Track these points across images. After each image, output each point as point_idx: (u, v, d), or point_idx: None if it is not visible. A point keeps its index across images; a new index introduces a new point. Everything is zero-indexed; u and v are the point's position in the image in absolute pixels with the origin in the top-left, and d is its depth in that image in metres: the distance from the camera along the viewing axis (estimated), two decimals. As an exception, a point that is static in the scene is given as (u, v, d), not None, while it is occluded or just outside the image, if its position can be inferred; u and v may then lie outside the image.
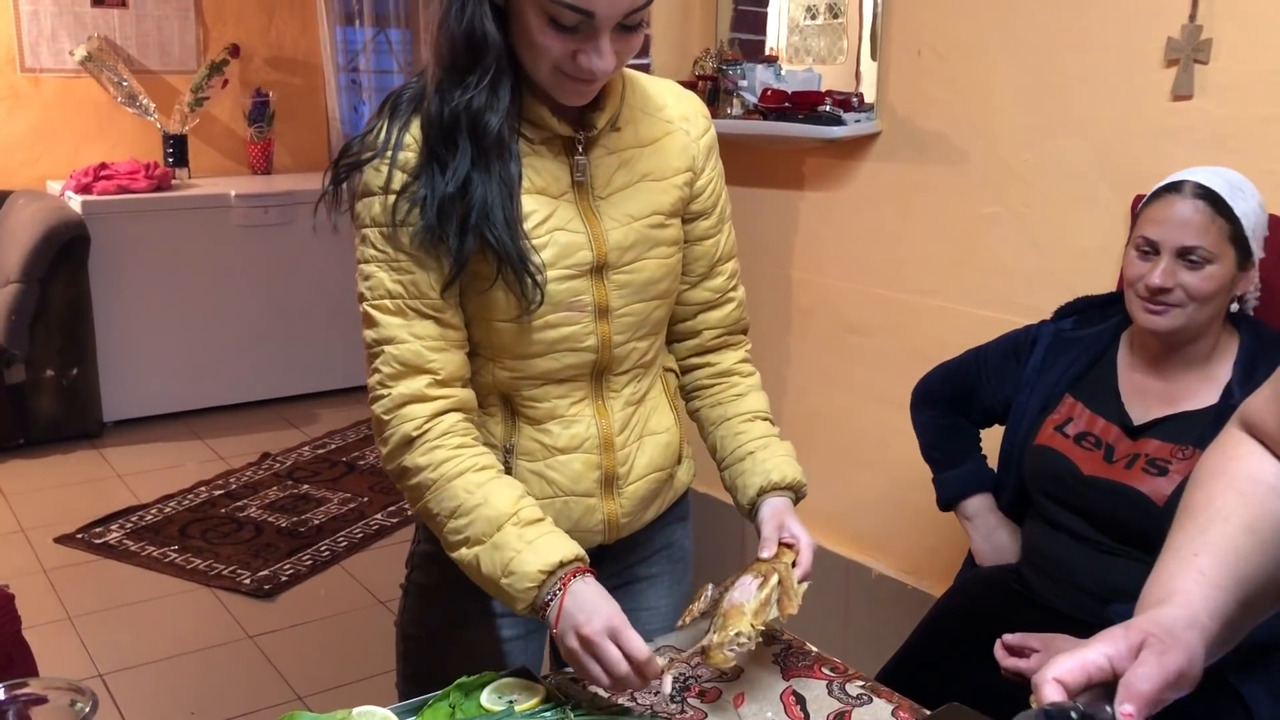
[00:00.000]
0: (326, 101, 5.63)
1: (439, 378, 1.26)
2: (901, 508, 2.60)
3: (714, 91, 2.85)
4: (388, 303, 1.25)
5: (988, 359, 1.98)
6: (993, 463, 1.98)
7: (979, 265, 2.38)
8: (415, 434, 1.25)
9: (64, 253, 4.32)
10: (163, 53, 5.23)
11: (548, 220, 1.26)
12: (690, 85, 2.87)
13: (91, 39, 4.97)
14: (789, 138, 2.63)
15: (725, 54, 2.89)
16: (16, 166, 4.95)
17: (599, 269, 1.29)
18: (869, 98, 2.61)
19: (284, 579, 3.35)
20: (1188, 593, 0.80)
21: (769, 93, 2.68)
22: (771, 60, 2.94)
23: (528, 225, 1.25)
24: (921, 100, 2.46)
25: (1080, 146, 2.15)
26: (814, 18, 5.75)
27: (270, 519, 3.80)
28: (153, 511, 3.84)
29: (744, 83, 2.78)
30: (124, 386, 4.61)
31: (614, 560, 1.48)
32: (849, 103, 2.60)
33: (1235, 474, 0.89)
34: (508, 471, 1.32)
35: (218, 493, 4.02)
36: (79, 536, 3.64)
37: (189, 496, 3.98)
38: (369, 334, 1.27)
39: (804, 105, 2.61)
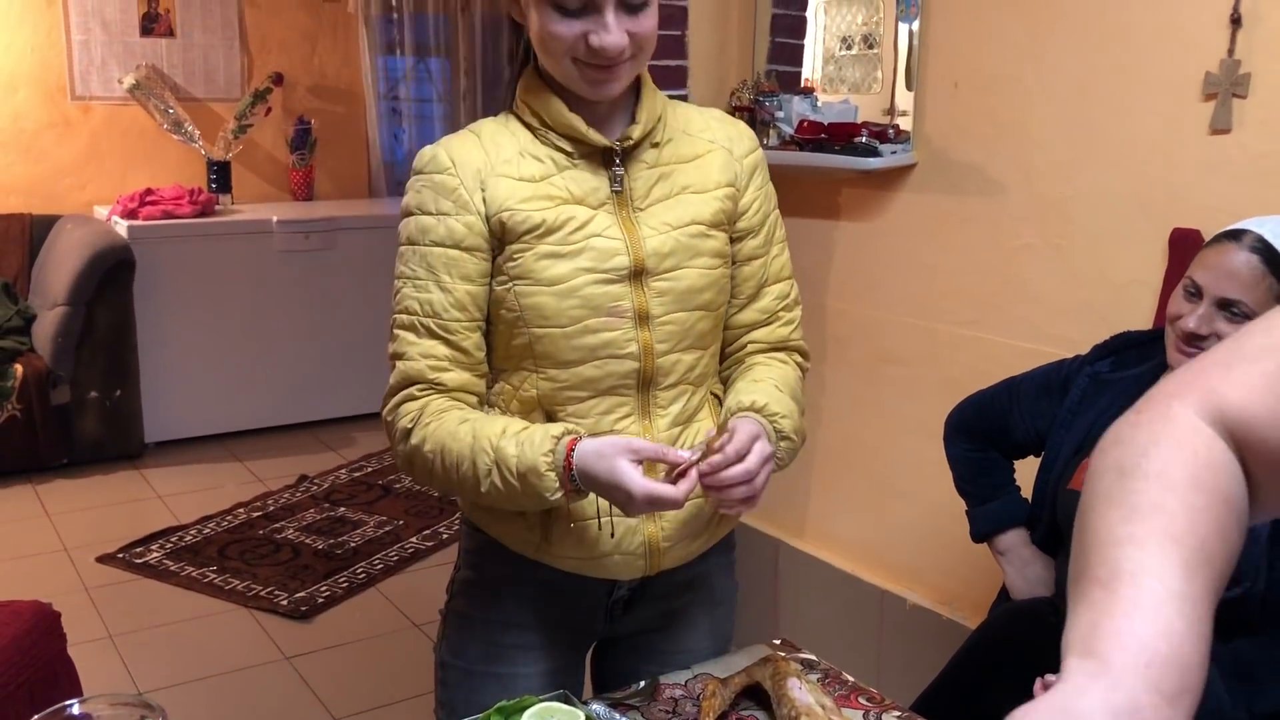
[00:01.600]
0: (367, 129, 5.72)
1: (441, 391, 1.31)
2: (936, 538, 2.60)
3: (750, 122, 2.88)
4: (404, 318, 1.32)
5: (1021, 392, 1.98)
6: (1027, 494, 1.98)
7: (1015, 297, 2.38)
8: (411, 425, 1.31)
9: (110, 276, 4.40)
10: (208, 81, 5.34)
11: (584, 227, 1.30)
12: (727, 116, 2.92)
13: (140, 67, 5.08)
14: (825, 168, 2.66)
15: (762, 85, 2.92)
16: (65, 191, 5.06)
17: (637, 274, 1.32)
18: (904, 127, 2.63)
19: (320, 601, 3.39)
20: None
21: (805, 124, 2.71)
22: (808, 92, 2.96)
23: (564, 232, 1.30)
24: (957, 132, 2.48)
25: (1118, 180, 2.16)
26: (849, 48, 5.77)
27: (307, 541, 3.84)
28: (192, 532, 3.90)
29: (780, 114, 2.81)
30: (165, 408, 4.69)
31: (654, 597, 1.47)
32: (885, 134, 2.62)
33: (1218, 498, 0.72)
34: None
35: (256, 514, 4.07)
36: (120, 556, 3.69)
37: (228, 518, 4.03)
38: (389, 347, 1.34)
39: (840, 136, 2.63)
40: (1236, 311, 1.60)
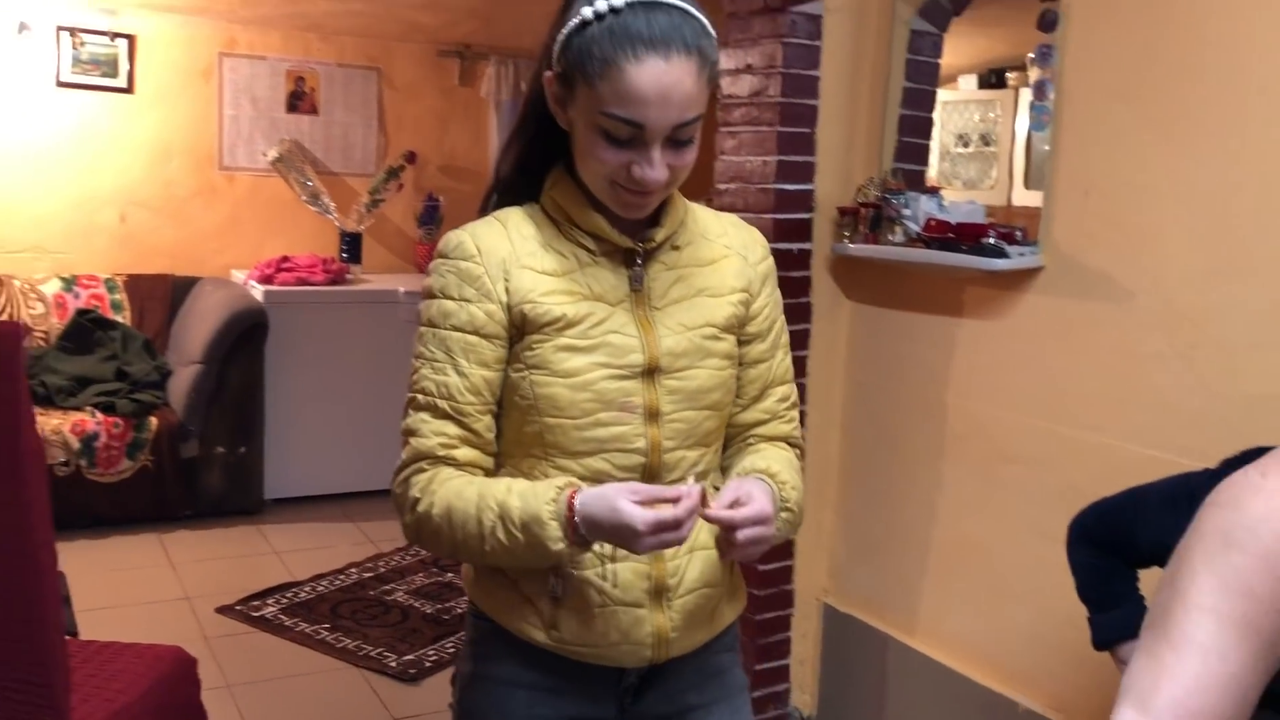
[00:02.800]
0: (491, 207, 5.92)
1: (451, 465, 1.35)
2: (1052, 642, 2.56)
3: (876, 218, 2.94)
4: (420, 398, 1.36)
5: (1146, 502, 1.96)
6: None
7: (1142, 403, 2.38)
8: (419, 494, 1.34)
9: (244, 338, 4.62)
10: (345, 157, 5.61)
11: (602, 324, 1.34)
12: (852, 212, 2.98)
13: (283, 142, 5.36)
14: (951, 267, 2.69)
15: (889, 183, 2.98)
16: (207, 255, 5.34)
17: (651, 372, 1.35)
18: (1023, 223, 2.66)
19: (428, 664, 3.46)
20: None
21: (933, 222, 2.75)
22: (934, 190, 3.02)
23: (583, 326, 1.33)
24: (1087, 238, 2.50)
25: (1255, 292, 2.15)
26: (965, 145, 5.78)
27: (416, 604, 3.92)
28: (306, 589, 4.01)
29: (907, 211, 2.86)
30: (285, 466, 4.86)
31: (664, 687, 1.46)
32: (1012, 236, 2.65)
33: None
34: (559, 576, 1.36)
35: (367, 575, 4.18)
36: (238, 608, 3.82)
37: (340, 577, 4.14)
38: (402, 423, 1.38)
39: (968, 236, 2.67)
40: None
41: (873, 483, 3.09)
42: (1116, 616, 1.98)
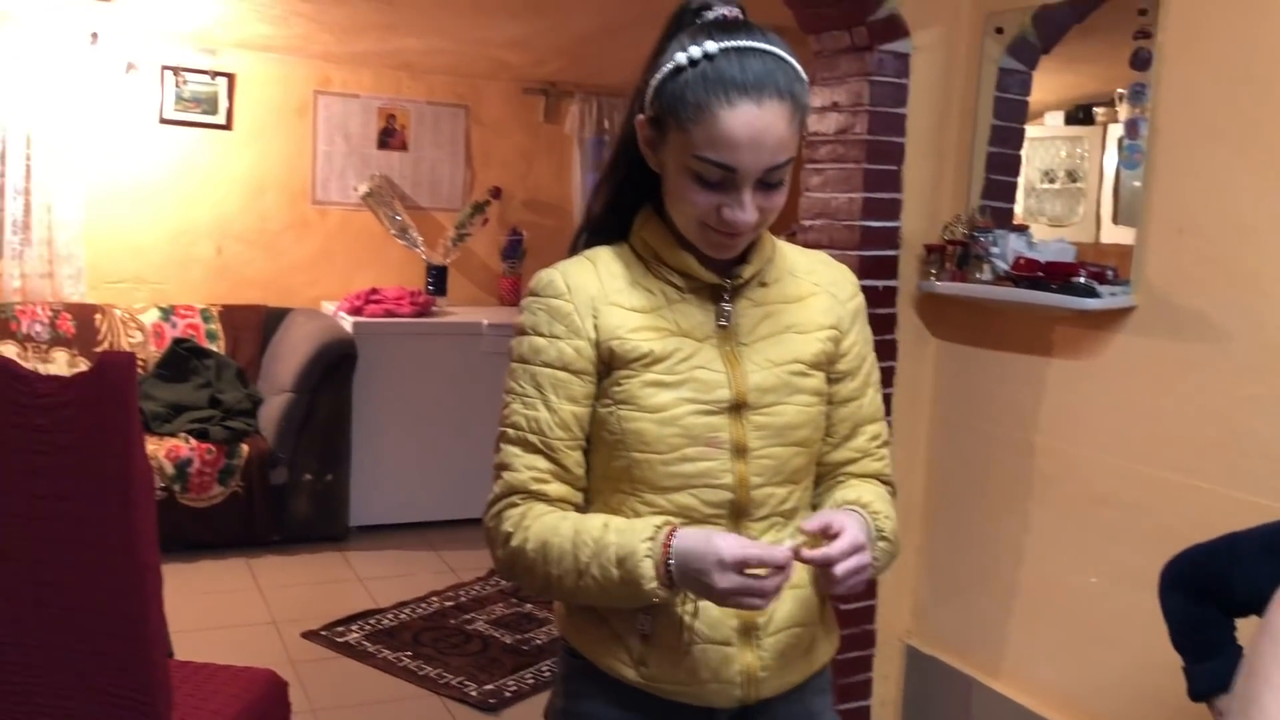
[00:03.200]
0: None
1: (543, 500, 1.36)
2: (1144, 690, 2.51)
3: (963, 256, 2.92)
4: (511, 432, 1.37)
5: (1243, 549, 1.92)
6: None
7: (1240, 448, 2.33)
8: (512, 529, 1.35)
9: (333, 367, 4.72)
10: (433, 192, 5.73)
11: (689, 359, 1.35)
12: (938, 249, 2.97)
13: (374, 177, 5.50)
14: (1040, 306, 2.67)
15: (976, 221, 2.96)
16: (299, 287, 5.48)
17: (737, 408, 1.36)
18: (1110, 258, 2.63)
19: (508, 695, 3.48)
20: None
21: (1022, 261, 2.73)
22: (1022, 228, 2.99)
23: (670, 362, 1.35)
24: (1181, 278, 2.46)
25: (1357, 335, 2.11)
26: (1051, 181, 5.71)
27: (496, 634, 3.96)
28: (389, 616, 4.07)
29: (995, 249, 2.84)
30: (370, 494, 4.95)
31: None
32: (1103, 275, 2.62)
33: None
34: (648, 613, 1.36)
35: (449, 604, 4.23)
36: (323, 633, 3.89)
37: (422, 605, 4.20)
38: (494, 458, 1.40)
39: (1058, 275, 2.64)
40: None
41: (958, 522, 3.05)
42: (1213, 667, 1.93)
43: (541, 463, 1.37)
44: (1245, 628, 1.95)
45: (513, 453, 1.38)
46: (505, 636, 3.95)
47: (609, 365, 1.36)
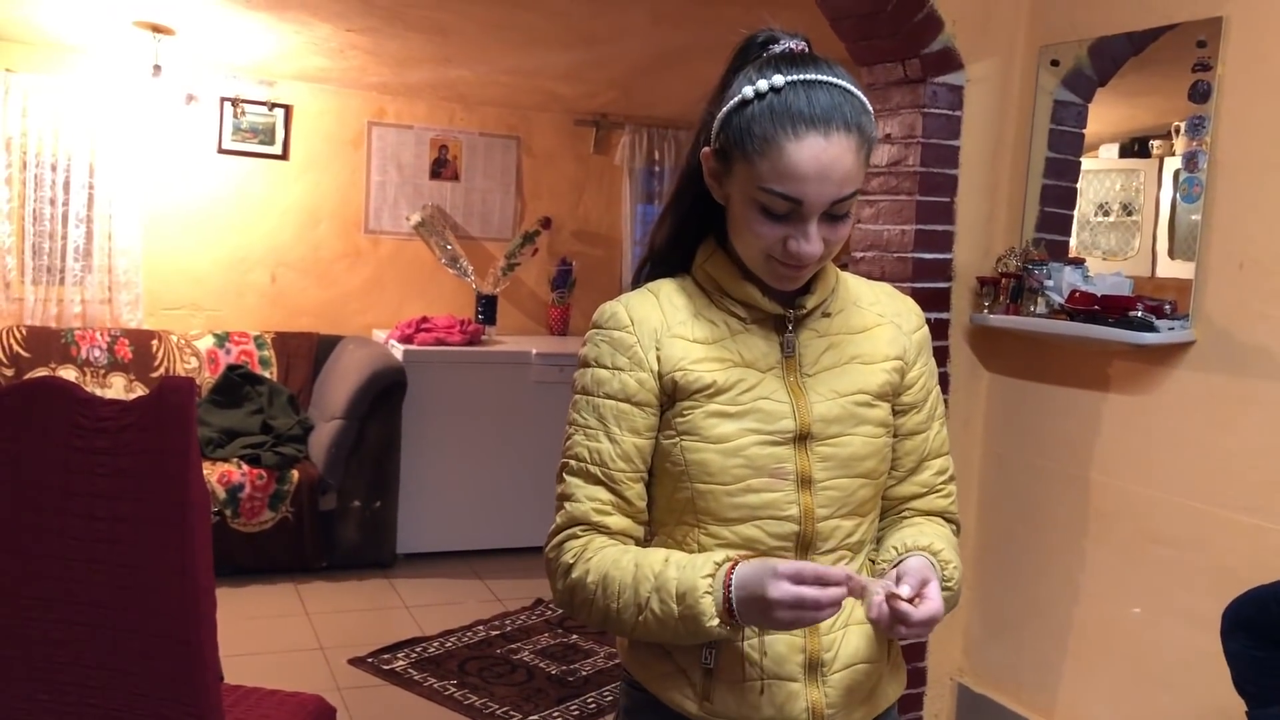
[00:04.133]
0: (623, 272, 6.02)
1: (604, 532, 1.36)
2: (1204, 735, 2.45)
3: (1017, 289, 2.90)
4: (574, 464, 1.37)
5: (1309, 589, 1.88)
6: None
7: (1304, 486, 2.28)
8: (573, 560, 1.35)
9: (384, 395, 4.76)
10: (484, 222, 5.78)
11: (753, 389, 1.35)
12: (992, 282, 2.95)
13: (426, 207, 5.56)
14: (1096, 340, 2.64)
15: (1030, 254, 2.94)
16: (351, 314, 5.54)
17: (802, 438, 1.35)
18: (1166, 292, 2.60)
19: (553, 726, 3.47)
20: None
21: (1078, 294, 2.70)
22: (1078, 262, 2.96)
23: (733, 393, 1.34)
24: (1242, 312, 2.42)
25: None
26: (1106, 214, 5.70)
27: (541, 665, 3.95)
28: (435, 644, 4.08)
29: (1049, 282, 2.82)
30: (417, 522, 4.97)
31: None
32: (1161, 309, 2.59)
33: None
34: (712, 647, 1.35)
35: (494, 633, 4.22)
36: (369, 660, 3.90)
37: (468, 633, 4.20)
38: (557, 489, 1.39)
39: (1114, 309, 2.61)
40: None
41: (1011, 559, 3.01)
42: (1278, 713, 1.89)
43: (603, 494, 1.36)
44: (1311, 672, 1.91)
45: (575, 484, 1.37)
46: (551, 667, 3.94)
47: (672, 397, 1.36)
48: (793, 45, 1.33)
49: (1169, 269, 4.49)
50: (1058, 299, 2.77)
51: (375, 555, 4.85)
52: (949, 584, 1.36)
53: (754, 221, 1.30)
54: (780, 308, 1.38)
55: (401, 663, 3.90)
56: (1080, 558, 2.79)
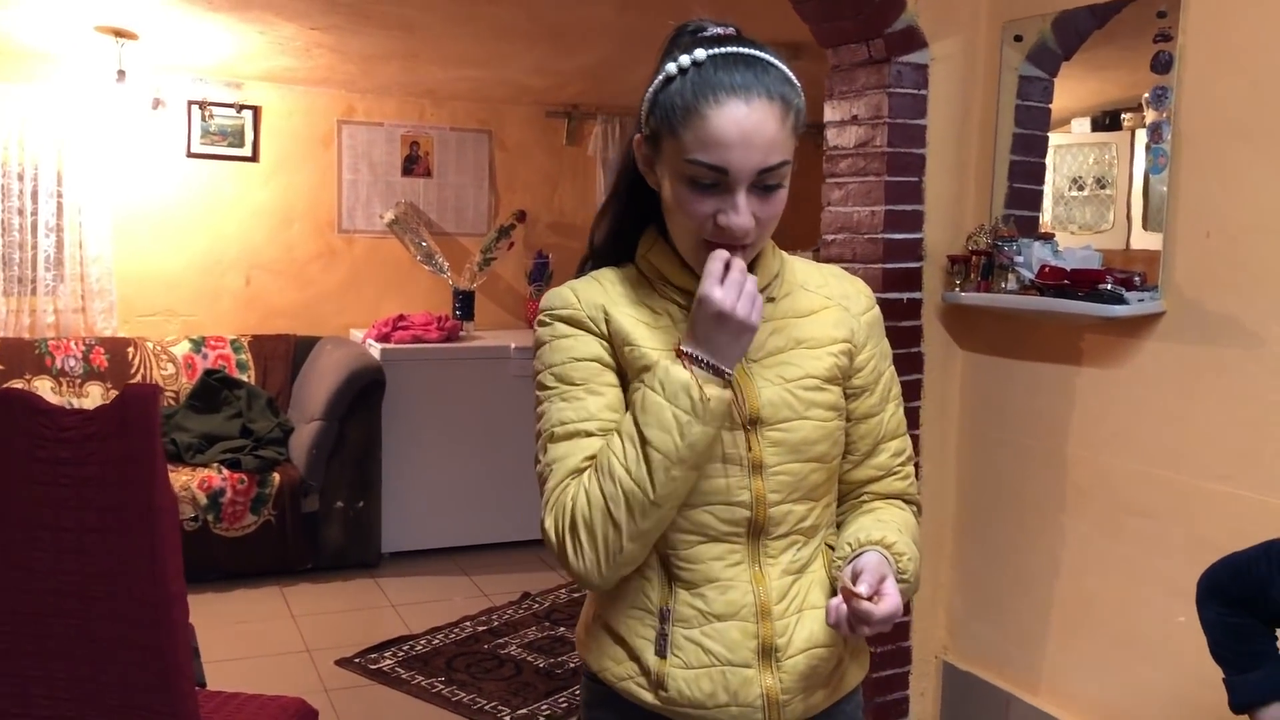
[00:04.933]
0: (599, 263, 6.00)
1: None
2: (1188, 705, 2.46)
3: (988, 266, 2.90)
4: (559, 429, 1.33)
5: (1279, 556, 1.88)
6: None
7: (1274, 452, 2.28)
8: (571, 500, 1.30)
9: (363, 395, 4.74)
10: (458, 217, 5.76)
11: None
12: (963, 260, 2.94)
13: (399, 204, 5.53)
14: (1068, 314, 2.64)
15: (1000, 230, 2.94)
16: (327, 315, 5.51)
17: (752, 424, 1.34)
18: (1141, 264, 2.60)
19: (541, 719, 3.46)
20: None
21: (1048, 269, 2.70)
22: (1048, 237, 2.96)
23: None
24: (1210, 282, 2.43)
25: (1392, 335, 2.06)
26: (1080, 188, 5.71)
27: (529, 659, 3.94)
28: (422, 642, 4.07)
29: (1020, 258, 2.82)
30: (402, 520, 4.95)
31: None
32: (1131, 281, 2.59)
33: None
34: (663, 639, 1.35)
35: (481, 629, 4.22)
36: (356, 661, 3.89)
37: (455, 630, 4.19)
38: (541, 460, 1.34)
39: (1084, 283, 2.61)
40: None
41: (991, 536, 3.01)
42: (1256, 679, 1.89)
43: (597, 446, 1.32)
44: (1286, 637, 1.91)
45: (562, 448, 1.32)
46: (538, 660, 3.93)
47: (622, 376, 1.36)
48: (720, 30, 1.33)
49: (1143, 240, 4.50)
50: (1028, 275, 2.77)
51: (360, 555, 4.84)
52: (904, 576, 1.36)
53: (684, 197, 1.29)
54: None
55: (389, 662, 3.89)
56: (1059, 532, 2.79)
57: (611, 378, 1.35)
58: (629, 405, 1.32)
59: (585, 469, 1.31)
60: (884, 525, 1.40)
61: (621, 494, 1.26)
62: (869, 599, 1.24)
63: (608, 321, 1.36)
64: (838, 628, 1.27)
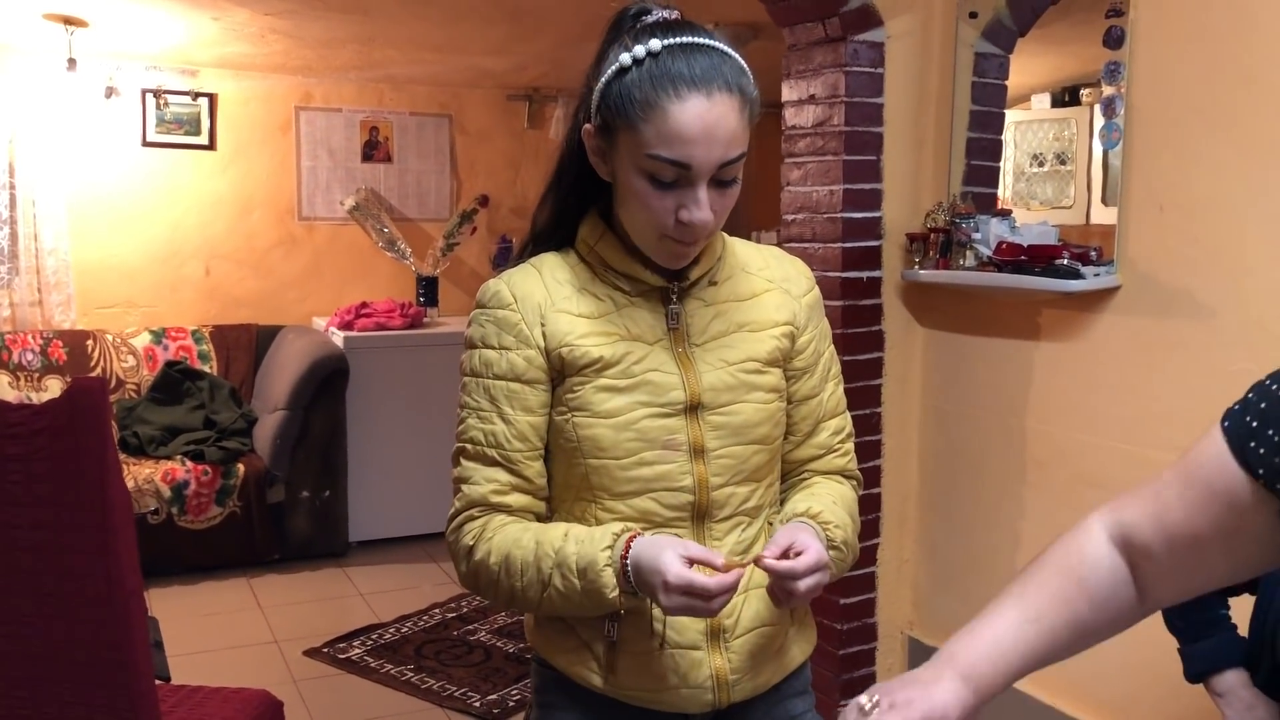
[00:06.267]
0: (563, 246, 5.99)
1: (504, 511, 1.35)
2: (1147, 674, 2.49)
3: (946, 244, 2.91)
4: (470, 448, 1.35)
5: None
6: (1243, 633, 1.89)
7: (1229, 423, 2.31)
8: (473, 541, 1.34)
9: (326, 383, 4.71)
10: (420, 203, 5.72)
11: (641, 361, 1.34)
12: (921, 237, 2.95)
13: (359, 191, 5.49)
14: (1024, 290, 2.65)
15: (958, 207, 2.95)
16: (289, 304, 5.47)
17: (693, 409, 1.34)
18: (1098, 239, 2.62)
19: (511, 704, 3.47)
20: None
21: (1004, 245, 2.72)
22: (1005, 213, 2.98)
23: (621, 366, 1.33)
24: (1164, 255, 2.44)
25: (1341, 305, 2.09)
26: (1041, 165, 5.74)
27: (498, 644, 3.94)
28: (391, 630, 4.06)
29: (977, 235, 2.83)
30: (368, 509, 4.93)
31: None
32: (1087, 256, 2.61)
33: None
34: (613, 620, 1.35)
35: (450, 615, 4.21)
36: (325, 651, 3.87)
37: (424, 617, 4.18)
38: (453, 473, 1.38)
39: (1040, 258, 2.63)
40: None
41: (954, 511, 3.03)
42: (1208, 647, 1.91)
43: (502, 475, 1.35)
44: (1240, 606, 1.94)
45: (472, 468, 1.36)
46: (508, 645, 3.93)
47: (561, 373, 1.35)
48: (665, 14, 1.31)
49: (1102, 215, 4.53)
50: (985, 251, 2.78)
51: (327, 545, 4.82)
52: (834, 543, 1.36)
53: (644, 194, 1.28)
54: (663, 280, 1.37)
55: (358, 651, 3.88)
56: (1020, 506, 2.82)
57: (529, 398, 1.35)
58: (562, 427, 1.35)
59: (493, 503, 1.35)
60: (812, 498, 1.42)
61: (518, 596, 1.33)
62: (780, 559, 1.26)
63: (544, 324, 1.34)
64: (774, 599, 1.30)
